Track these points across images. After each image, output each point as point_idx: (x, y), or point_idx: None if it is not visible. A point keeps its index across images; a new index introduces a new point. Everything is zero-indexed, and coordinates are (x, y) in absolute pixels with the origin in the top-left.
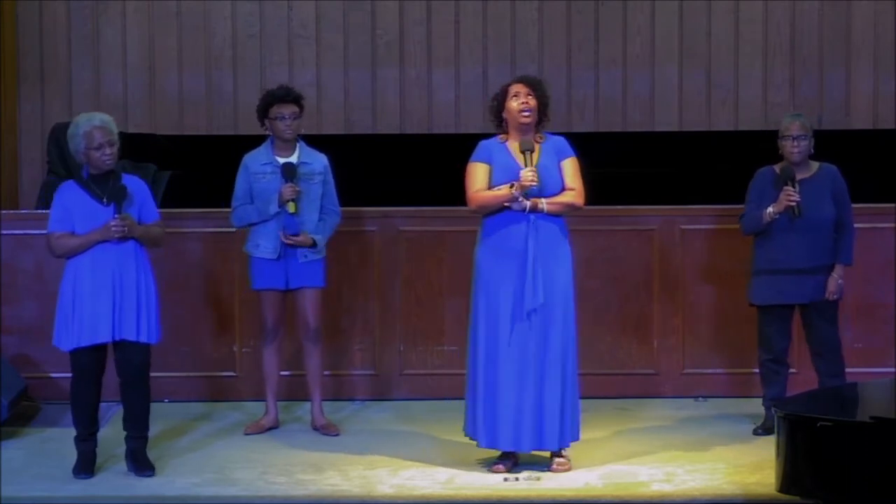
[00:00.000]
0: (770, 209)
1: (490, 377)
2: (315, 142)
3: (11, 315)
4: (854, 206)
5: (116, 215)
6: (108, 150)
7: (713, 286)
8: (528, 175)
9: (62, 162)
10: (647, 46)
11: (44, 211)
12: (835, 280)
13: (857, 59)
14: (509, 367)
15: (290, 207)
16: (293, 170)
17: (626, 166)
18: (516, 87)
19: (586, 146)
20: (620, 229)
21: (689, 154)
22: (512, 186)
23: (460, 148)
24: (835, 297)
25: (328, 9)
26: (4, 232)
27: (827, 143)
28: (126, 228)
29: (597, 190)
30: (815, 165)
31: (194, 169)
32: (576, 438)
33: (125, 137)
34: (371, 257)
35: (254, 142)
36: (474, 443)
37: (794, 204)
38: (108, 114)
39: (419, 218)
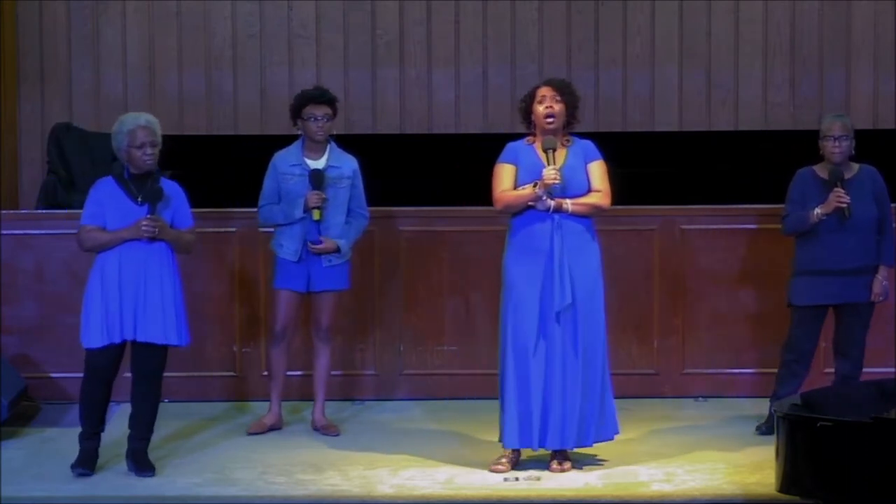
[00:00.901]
0: (818, 210)
1: (520, 377)
2: None
3: (11, 315)
4: None
5: (148, 215)
6: (149, 150)
7: (713, 286)
8: (550, 173)
9: (62, 162)
10: (647, 46)
11: (44, 211)
12: (879, 282)
13: (857, 59)
14: (538, 366)
15: (315, 215)
16: (320, 177)
17: (626, 166)
18: (543, 91)
19: None
20: (620, 229)
21: (689, 154)
22: (535, 185)
23: (460, 148)
24: (880, 299)
25: (328, 9)
26: (4, 232)
27: None
28: (156, 230)
29: None
30: (855, 166)
31: (194, 169)
32: (616, 432)
33: None
34: (371, 257)
35: (254, 142)
36: (475, 442)
37: (844, 206)
38: (107, 114)
39: (419, 218)
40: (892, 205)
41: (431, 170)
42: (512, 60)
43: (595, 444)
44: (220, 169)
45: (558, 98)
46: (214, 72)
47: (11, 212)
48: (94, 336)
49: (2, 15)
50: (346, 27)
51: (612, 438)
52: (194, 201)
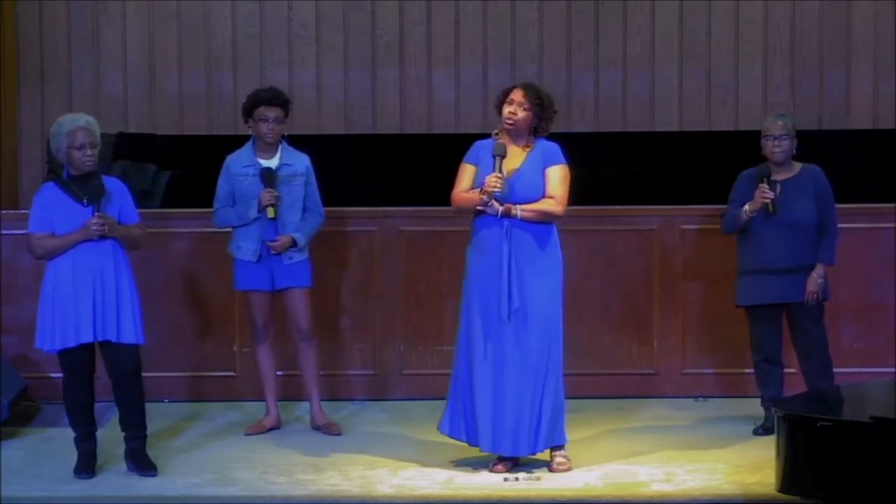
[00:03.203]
0: (746, 207)
1: (471, 378)
2: (315, 142)
3: (11, 315)
4: (854, 206)
5: (95, 214)
6: (89, 152)
7: (713, 286)
8: (490, 180)
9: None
10: (647, 46)
11: None
12: (814, 279)
13: (857, 59)
14: (484, 369)
15: (270, 213)
16: (272, 175)
17: (626, 166)
18: (513, 94)
19: (586, 146)
20: (620, 229)
21: (689, 154)
22: (481, 190)
23: (460, 148)
24: (814, 297)
25: (328, 9)
26: (4, 232)
27: (827, 143)
28: (106, 227)
29: (597, 190)
30: (797, 166)
31: (194, 169)
32: (559, 442)
33: (125, 137)
34: (371, 257)
35: None
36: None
37: (767, 201)
38: (106, 114)
39: (419, 218)
40: (870, 205)
41: (431, 170)
42: (512, 60)
43: (543, 450)
44: (219, 169)
45: (526, 105)
46: (214, 72)
47: (11, 212)
48: (50, 339)
49: (2, 15)
50: (346, 27)
51: (563, 444)
52: (194, 201)
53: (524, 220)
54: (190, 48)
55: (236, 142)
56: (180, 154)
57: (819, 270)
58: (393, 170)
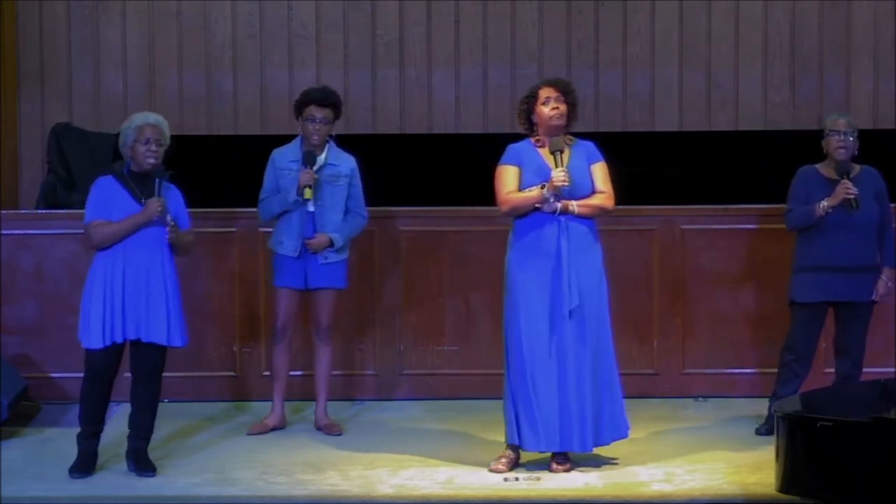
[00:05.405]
0: (825, 203)
1: (533, 380)
2: None
3: (11, 315)
4: None
5: (156, 195)
6: (153, 147)
7: (713, 286)
8: (559, 175)
9: (62, 162)
10: (647, 46)
11: (44, 211)
12: (884, 282)
13: (857, 59)
14: (550, 368)
15: (307, 193)
16: (312, 157)
17: (626, 166)
18: (547, 92)
19: None
20: (620, 229)
21: (689, 154)
22: (543, 187)
23: (460, 148)
24: (885, 299)
25: (328, 9)
26: (4, 232)
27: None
28: (163, 210)
29: None
30: (857, 166)
31: (194, 169)
32: (623, 435)
33: None
34: (371, 257)
35: (254, 142)
36: (475, 442)
37: (851, 196)
38: (107, 114)
39: (419, 218)
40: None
41: (431, 170)
42: (512, 60)
43: (612, 443)
44: (220, 169)
45: (563, 99)
46: (214, 72)
47: (11, 212)
48: (94, 336)
49: (2, 15)
50: (346, 27)
51: (626, 436)
52: (194, 201)
53: (579, 216)
54: (190, 48)
55: (236, 142)
56: (180, 154)
57: (888, 273)
58: (393, 170)
